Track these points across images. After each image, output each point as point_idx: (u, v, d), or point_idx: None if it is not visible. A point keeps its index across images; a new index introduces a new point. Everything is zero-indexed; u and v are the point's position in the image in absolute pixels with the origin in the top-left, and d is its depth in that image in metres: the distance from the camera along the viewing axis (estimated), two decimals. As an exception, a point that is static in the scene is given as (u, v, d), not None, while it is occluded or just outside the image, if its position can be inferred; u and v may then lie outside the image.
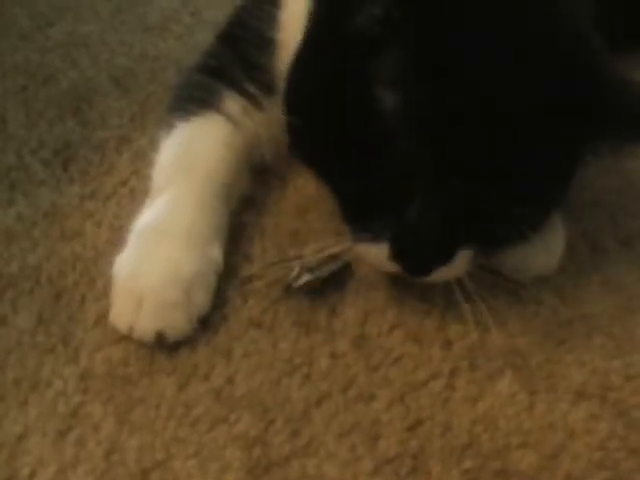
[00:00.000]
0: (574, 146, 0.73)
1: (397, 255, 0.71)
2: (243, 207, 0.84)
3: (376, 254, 0.73)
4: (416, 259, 0.72)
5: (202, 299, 0.75)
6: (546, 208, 0.75)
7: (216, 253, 0.77)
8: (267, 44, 0.82)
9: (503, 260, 0.80)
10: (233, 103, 0.85)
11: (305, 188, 0.87)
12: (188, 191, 0.79)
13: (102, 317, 0.77)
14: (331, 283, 0.80)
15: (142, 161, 0.89)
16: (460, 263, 0.74)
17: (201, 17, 1.10)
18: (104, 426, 0.71)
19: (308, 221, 0.85)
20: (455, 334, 0.78)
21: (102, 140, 0.92)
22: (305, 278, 0.78)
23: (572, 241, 0.83)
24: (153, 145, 0.89)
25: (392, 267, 0.73)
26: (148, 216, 0.78)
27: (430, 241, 0.70)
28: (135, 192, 0.86)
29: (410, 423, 0.72)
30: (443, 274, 0.74)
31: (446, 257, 0.72)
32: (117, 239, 0.81)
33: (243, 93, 0.84)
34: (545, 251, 0.81)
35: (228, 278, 0.79)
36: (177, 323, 0.74)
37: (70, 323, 0.76)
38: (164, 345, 0.74)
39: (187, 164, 0.82)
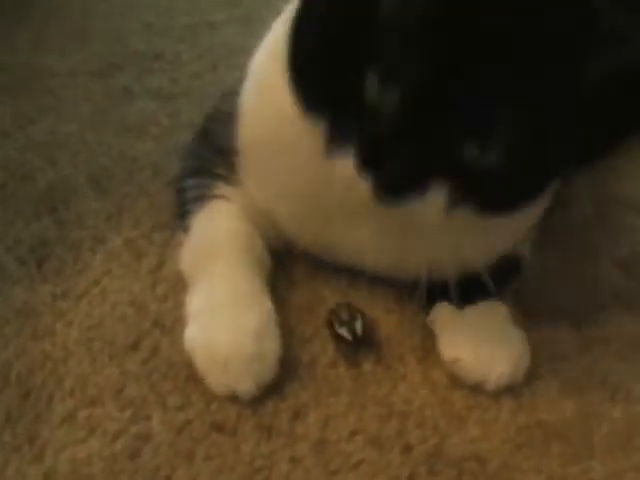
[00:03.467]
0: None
1: (363, 162, 0.70)
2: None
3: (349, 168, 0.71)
4: (383, 169, 0.69)
5: (273, 344, 0.80)
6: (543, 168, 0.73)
7: (268, 305, 0.83)
8: (231, 125, 0.86)
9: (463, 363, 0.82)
10: (224, 189, 0.90)
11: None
12: (220, 265, 0.86)
13: (68, 416, 0.77)
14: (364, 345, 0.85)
15: (115, 261, 0.91)
16: (432, 206, 0.71)
17: (179, 119, 1.13)
18: (65, 528, 0.71)
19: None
20: (415, 439, 0.79)
21: (77, 240, 0.93)
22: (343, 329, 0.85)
23: (531, 346, 0.84)
24: (127, 246, 0.93)
25: (363, 184, 0.71)
26: (197, 295, 0.84)
27: (400, 151, 0.68)
28: (106, 292, 0.88)
29: (368, 528, 0.73)
30: (416, 209, 0.71)
31: (417, 181, 0.69)
32: (86, 339, 0.83)
33: (223, 179, 0.90)
34: (508, 361, 0.82)
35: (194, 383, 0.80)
36: (263, 370, 0.79)
37: (37, 422, 0.77)
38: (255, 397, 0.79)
39: (211, 245, 0.88)
